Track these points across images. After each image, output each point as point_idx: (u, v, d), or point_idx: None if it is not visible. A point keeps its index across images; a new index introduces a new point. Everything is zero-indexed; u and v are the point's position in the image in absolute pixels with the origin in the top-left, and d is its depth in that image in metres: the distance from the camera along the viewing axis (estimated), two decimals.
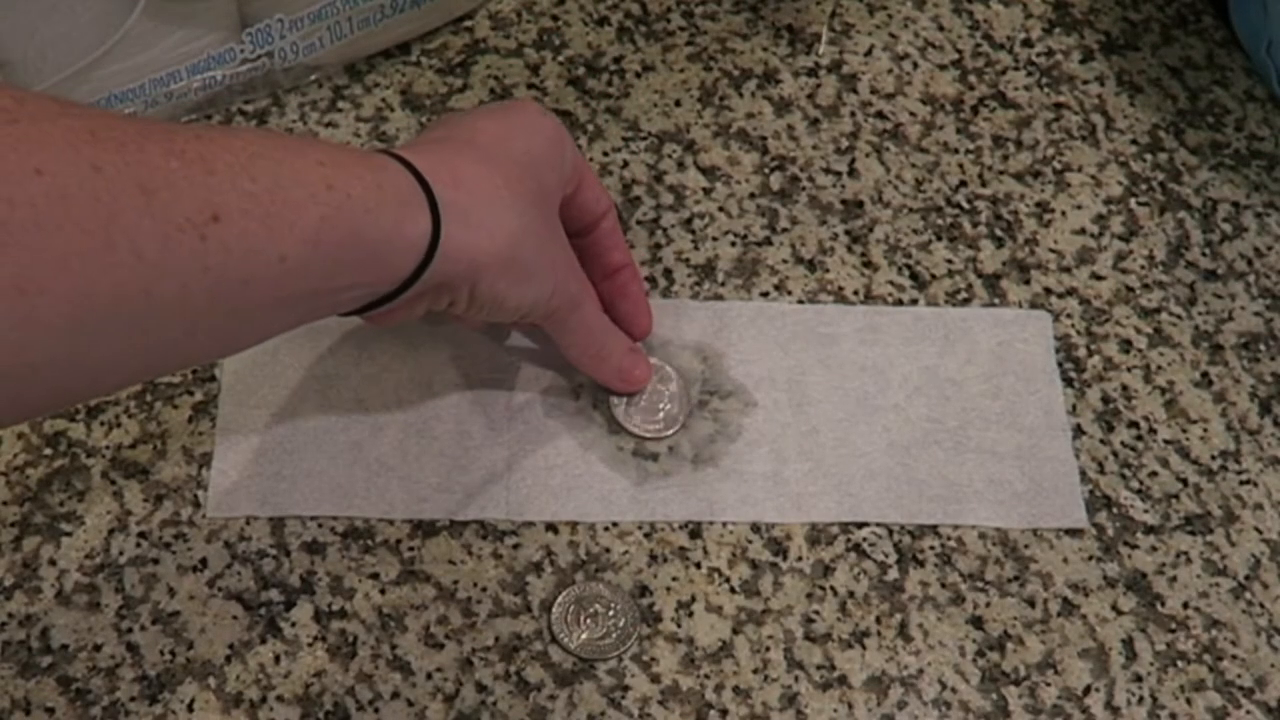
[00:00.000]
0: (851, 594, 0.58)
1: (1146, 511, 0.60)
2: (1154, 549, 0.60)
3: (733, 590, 0.57)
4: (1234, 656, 0.57)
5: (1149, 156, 0.71)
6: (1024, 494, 0.60)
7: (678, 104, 0.71)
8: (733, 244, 0.66)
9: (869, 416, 0.61)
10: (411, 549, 0.57)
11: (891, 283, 0.65)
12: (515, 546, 0.58)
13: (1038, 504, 0.60)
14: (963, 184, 0.69)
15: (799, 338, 0.63)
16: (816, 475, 0.60)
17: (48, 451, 0.59)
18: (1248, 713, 0.56)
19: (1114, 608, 0.58)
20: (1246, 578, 0.59)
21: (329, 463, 0.59)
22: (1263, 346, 0.65)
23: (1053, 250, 0.67)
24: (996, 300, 0.65)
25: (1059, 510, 0.60)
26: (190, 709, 0.54)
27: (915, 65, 0.73)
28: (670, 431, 0.60)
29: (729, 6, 0.74)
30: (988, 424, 0.61)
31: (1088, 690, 0.56)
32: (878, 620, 0.57)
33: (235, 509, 0.58)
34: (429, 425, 0.60)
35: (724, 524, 0.59)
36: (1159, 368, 0.64)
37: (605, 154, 0.68)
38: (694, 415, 0.61)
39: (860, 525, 0.59)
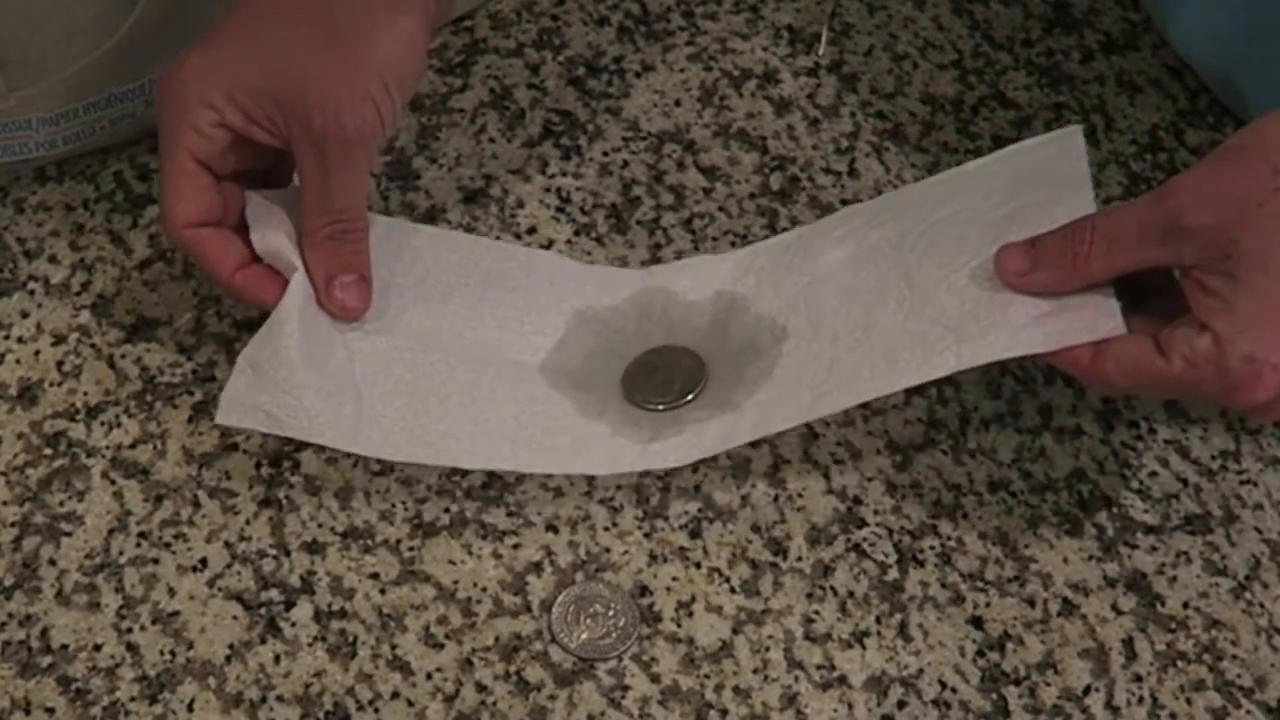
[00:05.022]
0: (851, 594, 0.58)
1: (1146, 511, 0.60)
2: (1154, 549, 0.60)
3: (733, 590, 0.57)
4: (1234, 656, 0.57)
5: (1149, 156, 0.71)
6: (1050, 312, 0.55)
7: (678, 104, 0.71)
8: (733, 244, 0.66)
9: (881, 295, 0.58)
10: (411, 549, 0.57)
11: None
12: (515, 546, 0.58)
13: (1065, 319, 0.55)
14: None
15: (811, 255, 0.62)
16: (832, 378, 0.58)
17: (48, 451, 0.59)
18: (1248, 713, 0.56)
19: (1114, 608, 0.58)
20: (1246, 578, 0.59)
21: (335, 388, 0.57)
22: None
23: None
24: None
25: (1090, 322, 0.54)
26: (190, 709, 0.54)
27: (915, 65, 0.73)
28: (685, 401, 0.60)
29: (729, 6, 0.74)
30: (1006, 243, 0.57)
31: (1088, 690, 0.56)
32: (878, 620, 0.57)
33: (241, 419, 0.56)
34: (436, 370, 0.59)
35: (724, 523, 0.59)
36: None
37: (605, 154, 0.68)
38: (712, 379, 0.60)
39: (860, 525, 0.59)
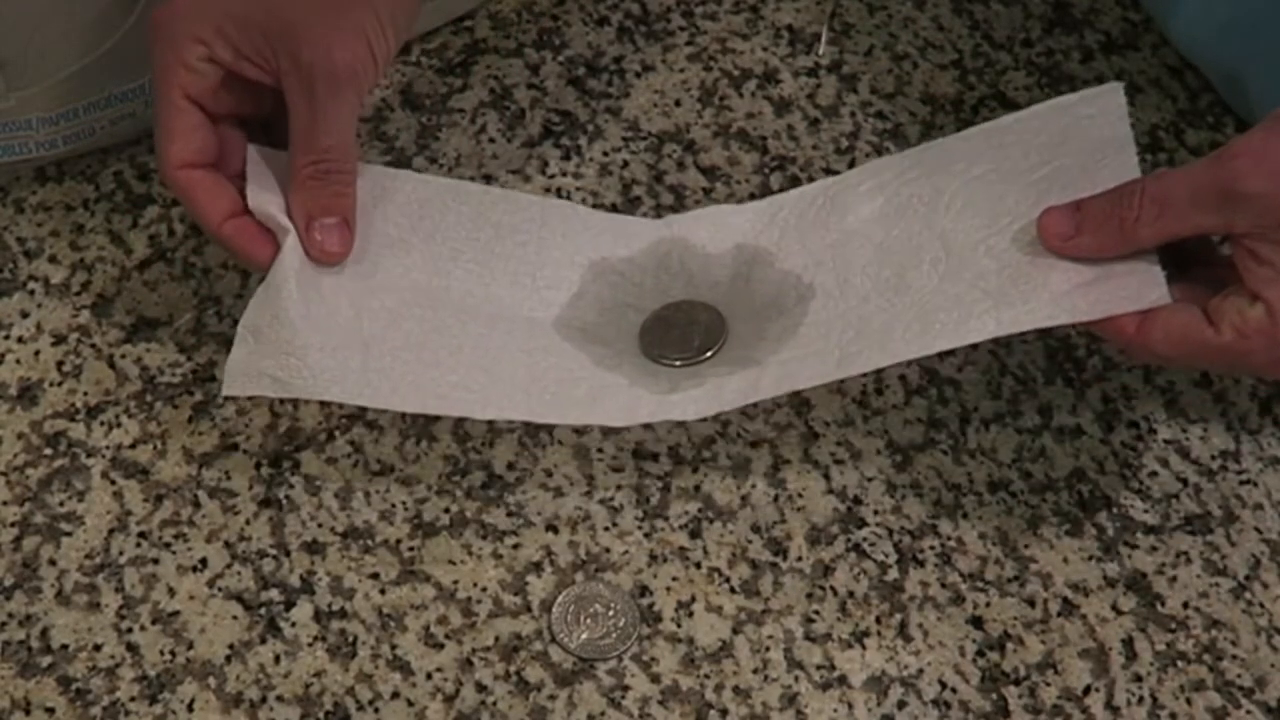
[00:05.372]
0: (851, 594, 0.58)
1: (1146, 511, 0.60)
2: (1154, 549, 0.60)
3: (733, 590, 0.57)
4: (1234, 656, 0.57)
5: (1149, 156, 0.70)
6: (1094, 279, 0.54)
7: (678, 104, 0.71)
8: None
9: (915, 255, 0.58)
10: (411, 549, 0.57)
11: None
12: (515, 546, 0.58)
13: (1109, 287, 0.53)
14: None
15: (838, 210, 0.61)
16: (862, 337, 0.57)
17: (48, 451, 0.59)
18: (1248, 713, 0.56)
19: (1114, 608, 0.58)
20: (1246, 578, 0.59)
21: (341, 342, 0.56)
22: None
23: None
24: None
25: (1135, 291, 0.53)
26: (190, 709, 0.54)
27: (915, 65, 0.73)
28: (704, 357, 0.59)
29: (729, 6, 0.74)
30: (1048, 205, 0.55)
31: (1088, 690, 0.56)
32: (878, 620, 0.57)
33: (247, 387, 0.55)
34: (446, 325, 0.58)
35: (724, 523, 0.59)
36: (1159, 367, 0.64)
37: (605, 154, 0.68)
38: (732, 334, 0.60)
39: (860, 525, 0.59)
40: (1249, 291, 0.51)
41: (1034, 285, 0.54)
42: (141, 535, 0.57)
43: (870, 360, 0.56)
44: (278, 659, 0.55)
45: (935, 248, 0.57)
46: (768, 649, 0.56)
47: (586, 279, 0.61)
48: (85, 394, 0.60)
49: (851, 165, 0.69)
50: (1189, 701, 0.56)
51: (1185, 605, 0.58)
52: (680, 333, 0.60)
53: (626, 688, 0.55)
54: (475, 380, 0.57)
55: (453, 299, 0.59)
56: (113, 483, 0.58)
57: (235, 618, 0.56)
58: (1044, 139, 0.59)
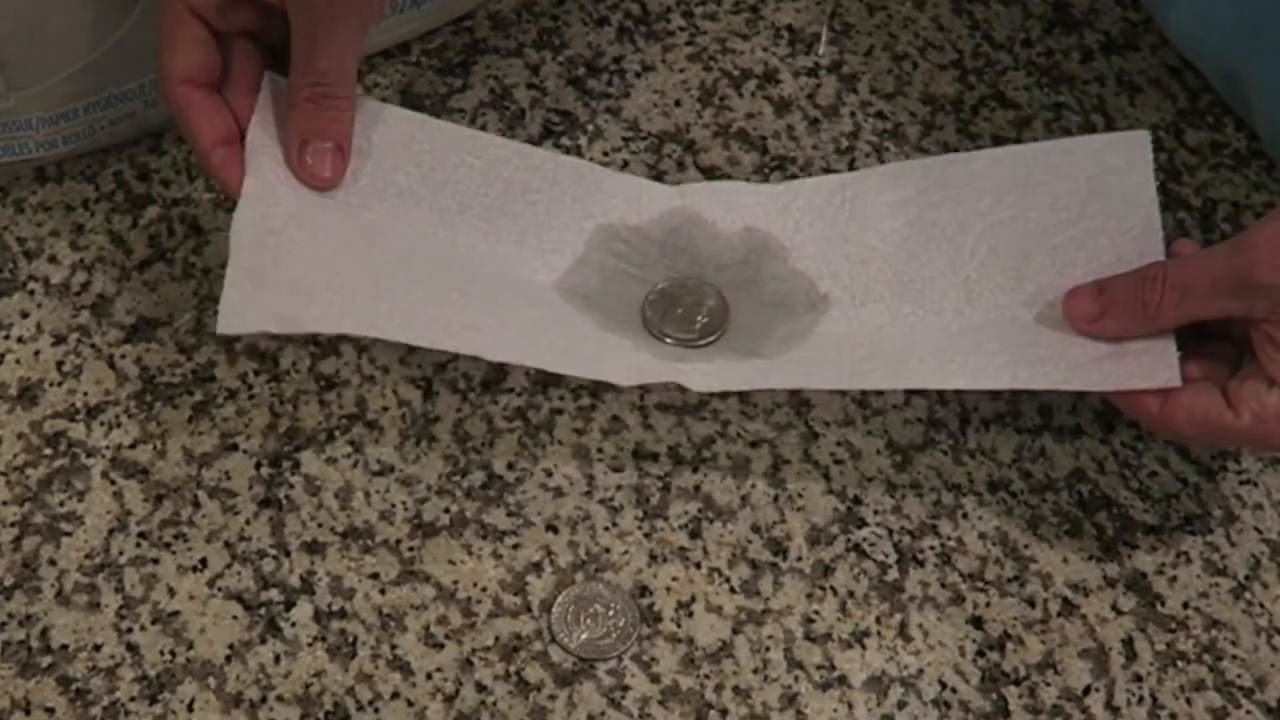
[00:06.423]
0: (851, 594, 0.58)
1: (1146, 511, 0.60)
2: (1154, 549, 0.60)
3: (733, 590, 0.57)
4: (1234, 656, 0.57)
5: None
6: (1110, 354, 0.55)
7: (678, 104, 0.71)
8: None
9: (937, 300, 0.59)
10: (411, 549, 0.57)
11: None
12: (515, 546, 0.58)
13: (1124, 364, 0.55)
14: None
15: (857, 218, 0.61)
16: (875, 357, 0.57)
17: (48, 451, 0.59)
18: (1248, 713, 0.56)
19: (1114, 608, 0.58)
20: (1246, 578, 0.59)
21: (349, 280, 0.55)
22: None
23: None
24: None
25: (1148, 370, 0.55)
26: (190, 709, 0.54)
27: (915, 65, 0.73)
28: (705, 341, 0.59)
29: (729, 6, 0.74)
30: (1072, 279, 0.57)
31: (1088, 690, 0.56)
32: (878, 620, 0.57)
33: (247, 325, 0.53)
34: (454, 269, 0.58)
35: (724, 523, 0.59)
36: None
37: (605, 154, 0.68)
38: (733, 324, 0.60)
39: (860, 525, 0.59)
40: (1266, 376, 0.53)
41: (1053, 352, 0.56)
42: (141, 535, 0.57)
43: (882, 380, 0.57)
44: (278, 659, 0.55)
45: (958, 299, 0.59)
46: (768, 649, 0.56)
47: (592, 244, 0.61)
48: (85, 394, 0.60)
49: (851, 165, 0.69)
50: (1189, 701, 0.56)
51: (1185, 605, 0.58)
52: (685, 312, 0.60)
53: (626, 688, 0.55)
54: (484, 323, 0.56)
55: (459, 253, 0.59)
56: (113, 483, 0.58)
57: (235, 618, 0.56)
58: (1069, 187, 0.60)
